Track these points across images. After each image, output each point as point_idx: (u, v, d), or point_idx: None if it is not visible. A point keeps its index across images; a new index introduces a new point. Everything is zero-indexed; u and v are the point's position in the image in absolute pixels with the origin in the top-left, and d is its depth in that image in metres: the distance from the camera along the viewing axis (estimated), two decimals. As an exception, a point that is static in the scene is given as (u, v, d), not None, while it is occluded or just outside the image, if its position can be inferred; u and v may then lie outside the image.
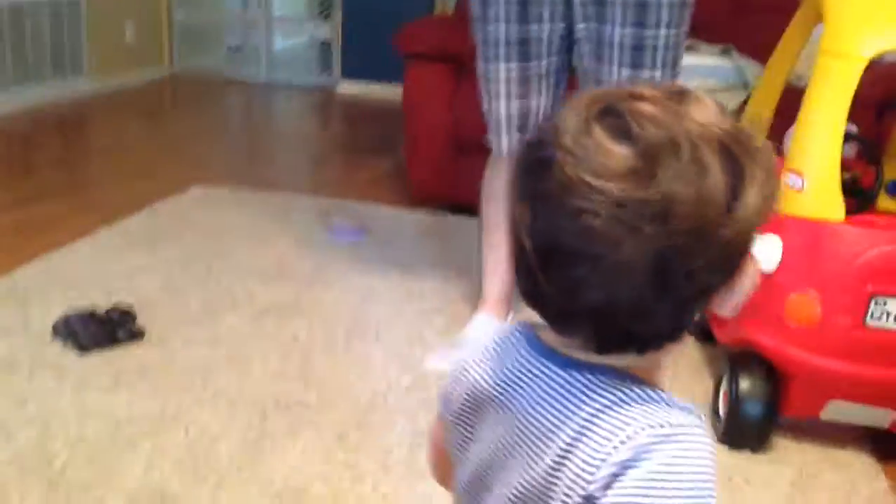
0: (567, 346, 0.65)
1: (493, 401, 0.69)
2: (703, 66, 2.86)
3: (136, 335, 1.97)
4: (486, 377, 0.71)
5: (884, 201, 1.97)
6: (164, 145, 3.89)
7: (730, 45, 2.92)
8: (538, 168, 0.61)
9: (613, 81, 1.72)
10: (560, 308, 0.63)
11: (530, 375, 0.67)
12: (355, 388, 1.83)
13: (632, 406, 0.62)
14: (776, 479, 1.63)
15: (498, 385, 0.69)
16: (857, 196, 1.89)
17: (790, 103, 2.02)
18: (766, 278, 1.65)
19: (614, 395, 0.62)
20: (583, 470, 0.61)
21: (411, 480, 1.53)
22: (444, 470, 0.79)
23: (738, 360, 1.73)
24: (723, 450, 1.70)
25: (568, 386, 0.64)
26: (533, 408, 0.65)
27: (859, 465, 1.68)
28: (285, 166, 3.76)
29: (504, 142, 1.87)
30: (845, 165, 1.94)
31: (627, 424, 0.61)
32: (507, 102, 1.83)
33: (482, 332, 2.03)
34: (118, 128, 4.20)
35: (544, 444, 0.63)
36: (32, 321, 2.03)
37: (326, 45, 5.71)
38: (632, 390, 0.63)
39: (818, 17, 1.76)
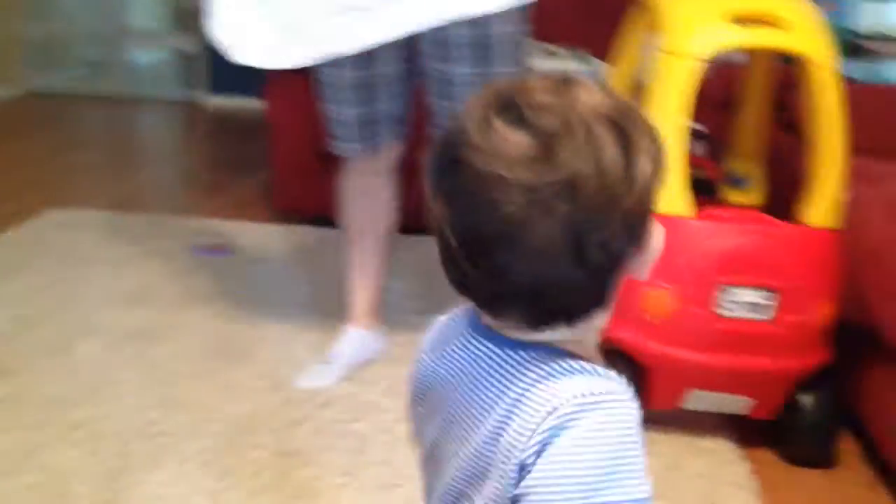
0: (503, 327, 0.70)
1: (439, 382, 0.75)
2: (561, 70, 2.93)
3: (-17, 372, 1.86)
4: (432, 360, 0.77)
5: (733, 196, 2.08)
6: (16, 168, 3.68)
7: (586, 49, 3.01)
8: (450, 167, 0.65)
9: (465, 80, 1.73)
10: (491, 293, 0.68)
11: (471, 355, 0.72)
12: (221, 413, 1.78)
13: (560, 378, 0.66)
14: (642, 470, 1.68)
15: (442, 367, 0.75)
16: (707, 192, 1.98)
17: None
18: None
19: (544, 369, 0.67)
20: (516, 440, 0.65)
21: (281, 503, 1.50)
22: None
23: (603, 357, 1.77)
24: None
25: (504, 363, 0.69)
26: (473, 386, 0.70)
27: (723, 452, 1.75)
28: (149, 186, 3.62)
29: (354, 147, 1.86)
30: (694, 163, 2.03)
31: (555, 395, 0.65)
32: (351, 109, 1.81)
33: (353, 347, 2.01)
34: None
35: (482, 419, 0.68)
36: None
37: (191, 58, 5.55)
38: (560, 364, 0.67)
39: (652, 21, 1.84)
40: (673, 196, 1.67)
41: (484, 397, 0.69)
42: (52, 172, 3.62)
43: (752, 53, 2.06)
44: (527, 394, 0.66)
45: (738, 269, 1.65)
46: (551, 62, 2.92)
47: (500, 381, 0.69)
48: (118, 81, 5.54)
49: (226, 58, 1.79)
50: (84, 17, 6.15)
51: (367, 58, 1.76)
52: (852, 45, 3.08)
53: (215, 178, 3.75)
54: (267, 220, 3.03)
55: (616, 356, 1.74)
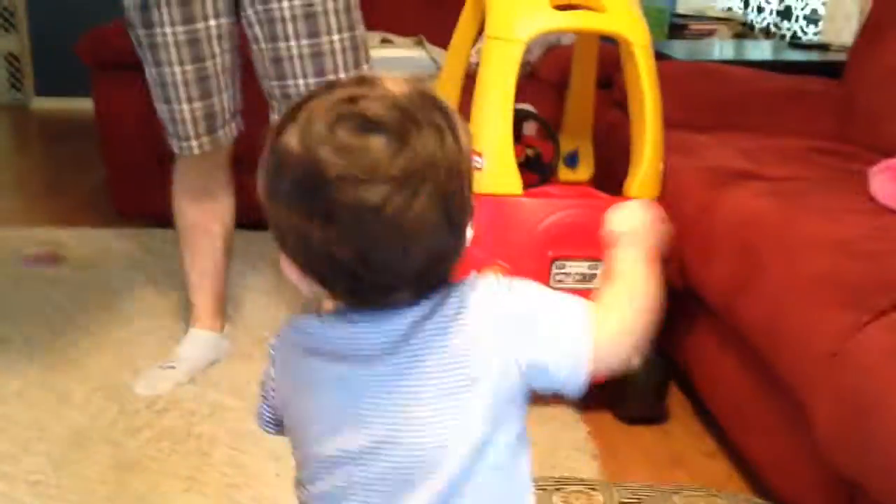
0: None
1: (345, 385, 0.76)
2: (399, 57, 2.94)
3: None
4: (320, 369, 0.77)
5: (564, 173, 2.15)
6: None
7: (421, 36, 3.03)
8: (318, 189, 0.68)
9: (301, 93, 1.71)
10: (387, 287, 0.73)
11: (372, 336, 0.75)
12: (53, 429, 1.69)
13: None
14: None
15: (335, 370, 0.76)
16: (539, 170, 2.04)
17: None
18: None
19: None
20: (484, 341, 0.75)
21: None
22: None
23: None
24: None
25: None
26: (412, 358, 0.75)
27: (561, 417, 1.81)
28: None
29: (194, 144, 1.80)
30: (527, 143, 2.09)
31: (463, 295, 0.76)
32: (189, 105, 1.76)
33: (196, 349, 1.95)
34: None
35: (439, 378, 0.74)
36: None
37: (14, 58, 5.22)
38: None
39: (481, 6, 1.87)
40: (503, 175, 1.71)
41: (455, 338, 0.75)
42: None
43: (578, 36, 2.13)
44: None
45: (567, 243, 1.71)
46: (388, 50, 2.93)
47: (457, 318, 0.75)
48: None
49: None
50: None
51: (196, 50, 1.71)
52: (673, 25, 3.25)
53: (47, 183, 3.55)
54: (105, 224, 2.90)
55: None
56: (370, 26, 3.12)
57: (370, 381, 0.75)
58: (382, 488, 0.75)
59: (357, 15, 1.76)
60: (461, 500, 0.75)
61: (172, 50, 1.71)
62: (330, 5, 1.69)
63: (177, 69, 1.73)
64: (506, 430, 0.77)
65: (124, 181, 2.85)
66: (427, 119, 0.71)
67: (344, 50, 1.74)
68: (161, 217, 2.76)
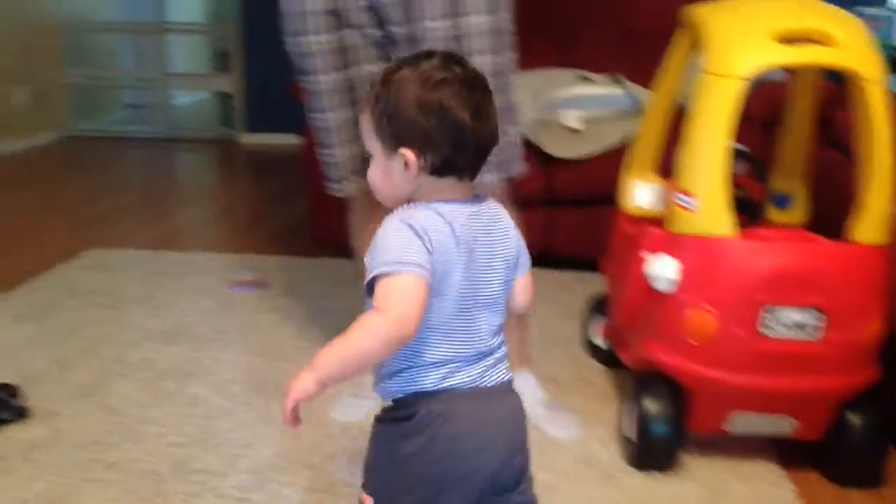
0: (458, 189, 1.08)
1: (462, 243, 1.06)
2: (597, 95, 2.90)
3: (20, 413, 1.85)
4: (454, 232, 1.05)
5: (776, 215, 2.02)
6: (57, 210, 3.74)
7: (619, 74, 2.97)
8: (470, 100, 1.04)
9: None
10: (479, 164, 1.09)
11: (472, 218, 1.08)
12: (257, 449, 1.75)
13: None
14: (685, 497, 1.62)
15: (463, 233, 1.06)
16: (749, 211, 1.92)
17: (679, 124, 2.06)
18: (664, 297, 1.65)
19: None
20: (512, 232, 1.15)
21: (317, 541, 1.46)
22: (420, 321, 1.02)
23: (643, 381, 1.72)
24: (632, 472, 1.68)
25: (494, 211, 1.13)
26: (490, 225, 1.11)
27: (765, 475, 1.68)
28: (185, 223, 3.65)
29: (346, 186, 1.84)
30: (736, 182, 1.97)
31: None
32: (341, 149, 1.80)
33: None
34: (9, 195, 4.03)
35: (505, 238, 1.13)
36: None
37: (228, 97, 5.64)
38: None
39: (695, 42, 1.79)
40: (716, 216, 1.62)
41: (501, 225, 1.13)
42: (92, 214, 3.67)
43: (795, 71, 2.00)
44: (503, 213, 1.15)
45: (782, 289, 1.59)
46: (585, 88, 2.89)
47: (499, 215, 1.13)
48: (158, 123, 5.64)
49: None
50: (126, 63, 6.30)
51: (350, 96, 1.74)
52: (892, 60, 3.01)
53: (252, 213, 3.77)
54: (304, 253, 3.03)
55: (657, 379, 1.69)
56: (568, 64, 3.12)
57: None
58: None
59: (511, 74, 1.71)
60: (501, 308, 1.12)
61: (325, 96, 1.75)
62: (479, 66, 1.66)
63: (332, 115, 1.77)
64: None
65: (323, 215, 2.96)
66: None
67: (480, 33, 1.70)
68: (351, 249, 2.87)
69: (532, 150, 2.61)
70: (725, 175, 1.62)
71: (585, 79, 2.96)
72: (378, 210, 1.90)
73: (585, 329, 2.22)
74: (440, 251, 1.02)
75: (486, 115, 1.05)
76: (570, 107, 2.76)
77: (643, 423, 1.67)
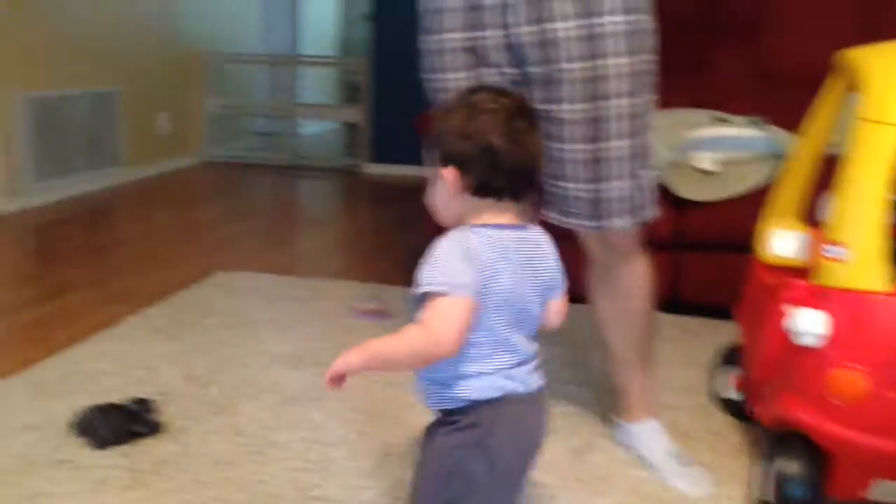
0: (504, 213, 1.19)
1: (510, 265, 1.17)
2: (735, 137, 2.81)
3: (154, 428, 1.93)
4: (503, 256, 1.16)
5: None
6: (191, 232, 3.92)
7: (758, 116, 2.88)
8: (499, 128, 1.16)
9: (570, 159, 1.67)
10: (518, 188, 1.18)
11: (518, 243, 1.19)
12: (378, 479, 1.76)
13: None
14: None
15: (510, 256, 1.17)
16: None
17: (827, 172, 1.97)
18: (808, 353, 1.57)
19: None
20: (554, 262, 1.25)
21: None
22: (460, 341, 1.12)
23: (780, 440, 1.64)
24: (769, 538, 1.60)
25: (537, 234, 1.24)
26: (534, 250, 1.21)
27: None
28: (310, 250, 3.75)
29: None
30: (893, 234, 1.87)
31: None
32: None
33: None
34: (147, 217, 4.25)
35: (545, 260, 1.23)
36: (54, 416, 1.99)
37: (353, 128, 5.79)
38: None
39: (852, 86, 1.72)
40: (870, 270, 1.53)
41: (541, 251, 1.22)
42: (223, 237, 3.82)
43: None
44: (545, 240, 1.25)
45: (942, 351, 1.48)
46: (721, 129, 2.81)
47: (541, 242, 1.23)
48: (286, 151, 5.84)
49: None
50: (258, 93, 6.58)
51: None
52: None
53: (374, 242, 3.84)
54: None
55: (795, 438, 1.60)
56: (703, 104, 3.05)
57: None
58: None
59: (647, 117, 1.68)
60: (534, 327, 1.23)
61: None
62: (615, 108, 1.63)
63: None
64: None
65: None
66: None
67: (623, 158, 1.66)
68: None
69: (663, 192, 2.55)
70: (882, 226, 1.53)
71: (722, 119, 2.88)
72: None
73: (716, 380, 2.13)
74: (488, 273, 1.12)
75: (522, 143, 1.15)
76: (705, 148, 2.69)
77: (779, 484, 1.58)
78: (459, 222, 1.18)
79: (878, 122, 1.53)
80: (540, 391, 1.22)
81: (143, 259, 3.43)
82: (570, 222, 1.72)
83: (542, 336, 1.24)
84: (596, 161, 1.65)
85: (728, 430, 2.00)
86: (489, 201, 1.17)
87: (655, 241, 1.85)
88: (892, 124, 1.51)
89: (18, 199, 4.19)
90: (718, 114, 2.92)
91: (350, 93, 6.15)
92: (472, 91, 1.21)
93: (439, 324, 1.10)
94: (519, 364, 1.19)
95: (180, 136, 5.57)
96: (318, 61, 6.79)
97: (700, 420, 2.05)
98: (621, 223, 1.70)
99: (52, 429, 1.93)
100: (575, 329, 2.53)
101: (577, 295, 2.59)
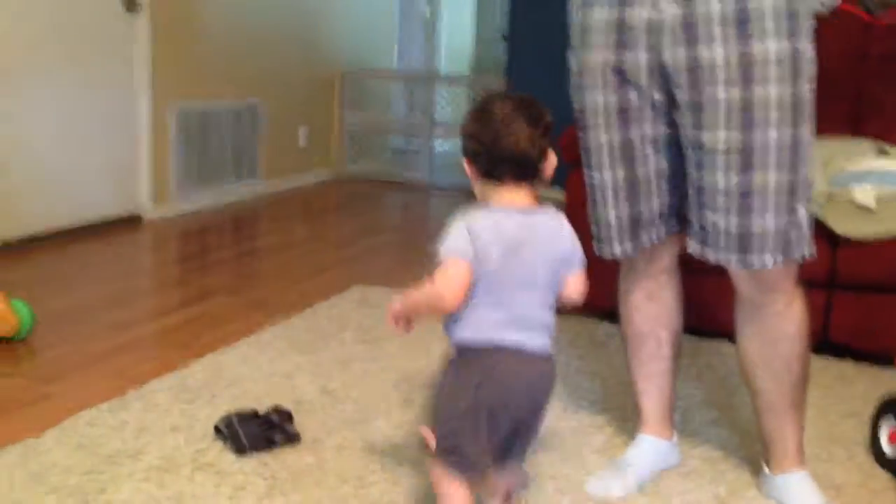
0: (513, 196, 1.46)
1: (505, 238, 1.43)
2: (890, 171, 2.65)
3: (292, 438, 1.97)
4: (497, 228, 1.44)
5: None
6: (329, 245, 4.02)
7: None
8: (503, 126, 1.44)
9: (718, 189, 1.60)
10: (521, 174, 1.45)
11: (521, 219, 1.45)
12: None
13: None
14: None
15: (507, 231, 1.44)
16: None
17: None
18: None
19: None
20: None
21: None
22: (459, 297, 1.41)
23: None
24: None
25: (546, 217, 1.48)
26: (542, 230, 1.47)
27: None
28: (443, 268, 3.77)
29: (617, 248, 1.78)
30: None
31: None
32: (615, 210, 1.74)
33: (647, 455, 1.89)
34: (287, 228, 4.40)
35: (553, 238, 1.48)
36: (197, 419, 2.07)
37: (486, 148, 5.81)
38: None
39: None
40: None
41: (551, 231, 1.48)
42: (360, 251, 3.90)
43: None
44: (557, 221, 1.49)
45: None
46: (884, 162, 2.64)
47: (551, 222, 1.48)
48: (420, 169, 5.92)
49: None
50: (396, 110, 6.71)
51: (628, 156, 1.70)
52: None
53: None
54: (558, 311, 3.01)
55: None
56: (863, 133, 2.88)
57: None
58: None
59: (806, 149, 1.58)
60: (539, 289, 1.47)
61: (605, 154, 1.71)
62: (772, 138, 1.55)
63: (607, 174, 1.72)
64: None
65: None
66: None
67: (778, 192, 1.57)
68: (609, 311, 2.81)
69: (817, 226, 2.42)
70: None
71: (883, 151, 2.72)
72: (646, 274, 1.86)
73: (874, 433, 2.00)
74: (479, 245, 1.40)
75: (510, 139, 1.41)
76: (867, 181, 2.54)
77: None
78: (484, 200, 1.47)
79: None
80: (538, 354, 1.46)
81: (283, 269, 3.54)
82: (713, 255, 1.65)
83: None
84: (748, 193, 1.58)
85: (887, 488, 1.86)
86: (495, 183, 1.45)
87: (806, 279, 1.74)
88: None
89: (164, 206, 4.42)
90: (882, 144, 2.75)
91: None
92: (485, 99, 1.47)
93: (442, 282, 1.40)
94: (510, 323, 1.43)
95: (319, 150, 5.74)
96: (454, 79, 6.87)
97: (855, 475, 1.91)
98: (771, 260, 1.61)
99: (196, 432, 2.00)
100: (717, 366, 2.44)
101: (716, 329, 2.50)
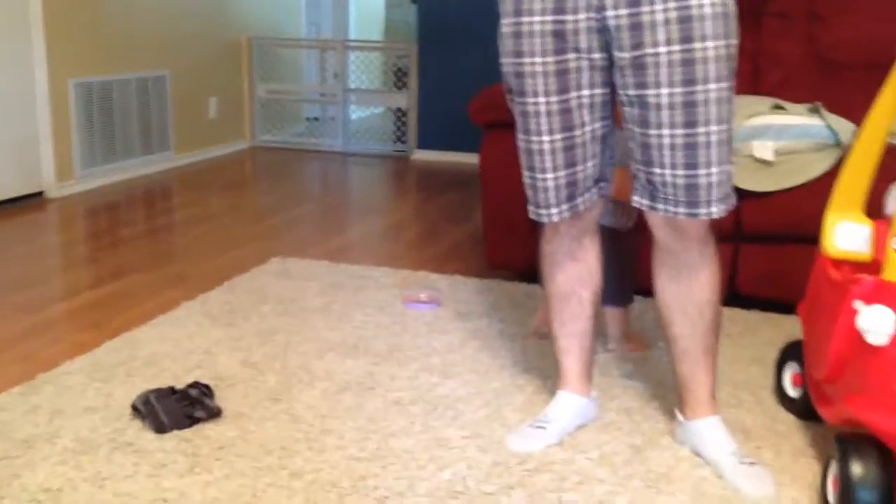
0: None
1: None
2: (792, 125, 2.75)
3: (214, 413, 1.95)
4: None
5: None
6: (245, 218, 3.96)
7: (817, 103, 2.81)
8: None
9: (664, 144, 1.65)
10: None
11: None
12: (433, 472, 1.76)
13: None
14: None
15: None
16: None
17: (888, 163, 1.91)
18: (879, 352, 1.53)
19: None
20: None
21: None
22: None
23: (849, 442, 1.60)
24: (836, 543, 1.56)
25: None
26: None
27: None
28: (362, 237, 3.76)
29: (554, 212, 1.80)
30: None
31: None
32: (553, 174, 1.76)
33: (566, 411, 1.94)
34: (201, 202, 4.30)
35: None
36: (113, 399, 2.03)
37: (402, 113, 5.79)
38: None
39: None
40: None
41: None
42: (276, 223, 3.85)
43: None
44: None
45: None
46: (780, 117, 2.74)
47: None
48: (336, 137, 5.86)
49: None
50: (308, 78, 6.60)
51: (566, 120, 1.71)
52: None
53: (424, 230, 3.84)
54: (478, 274, 3.05)
55: (864, 441, 1.56)
56: (760, 91, 2.98)
57: None
58: None
59: (733, 105, 1.65)
60: None
61: (543, 119, 1.72)
62: (712, 92, 1.60)
63: (545, 138, 1.73)
64: None
65: (498, 235, 2.97)
66: None
67: (720, 144, 1.63)
68: (530, 272, 2.86)
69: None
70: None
71: (779, 107, 2.81)
72: (570, 235, 1.90)
73: (778, 377, 2.09)
74: None
75: None
76: (762, 137, 2.63)
77: (848, 488, 1.54)
78: None
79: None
80: None
81: (198, 244, 3.47)
82: (662, 209, 1.70)
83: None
84: (693, 146, 1.62)
85: (790, 429, 1.96)
86: None
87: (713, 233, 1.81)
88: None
89: (69, 184, 4.27)
90: (777, 101, 2.85)
91: (398, 78, 6.15)
92: None
93: None
94: None
95: (231, 121, 5.62)
96: (366, 46, 6.79)
97: (762, 418, 2.01)
98: (717, 210, 1.67)
99: (113, 412, 1.96)
100: (633, 321, 2.51)
101: (643, 288, 2.58)
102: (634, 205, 1.75)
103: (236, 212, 4.09)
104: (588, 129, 1.73)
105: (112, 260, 3.25)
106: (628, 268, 2.33)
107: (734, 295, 2.66)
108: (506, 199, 2.91)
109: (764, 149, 2.63)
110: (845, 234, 1.89)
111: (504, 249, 2.96)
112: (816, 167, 2.61)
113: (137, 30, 4.66)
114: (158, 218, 4.02)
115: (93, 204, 4.16)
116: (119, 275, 3.03)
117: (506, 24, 1.72)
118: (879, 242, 1.77)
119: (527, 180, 1.81)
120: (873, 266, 1.70)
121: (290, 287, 2.86)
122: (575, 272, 1.90)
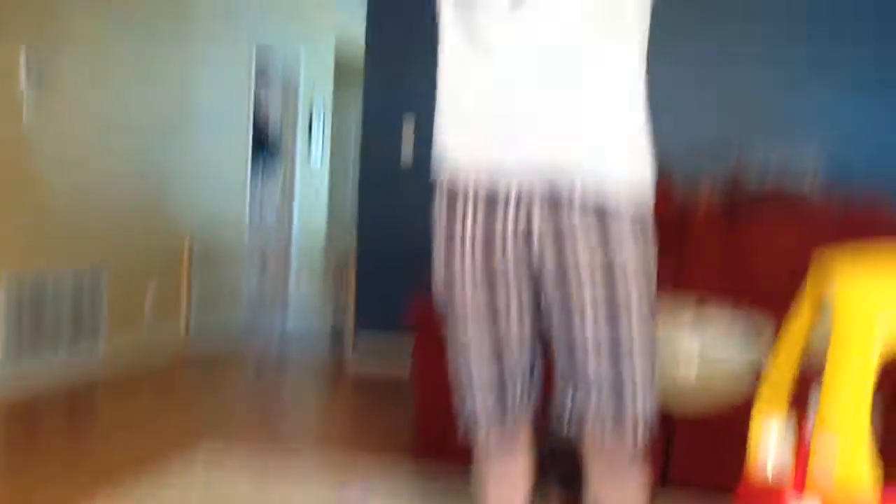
0: None
1: None
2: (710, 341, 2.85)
3: None
4: None
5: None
6: (175, 422, 3.83)
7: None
8: None
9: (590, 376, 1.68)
10: None
11: None
12: None
13: None
14: None
15: None
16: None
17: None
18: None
19: None
20: None
21: None
22: None
23: None
24: None
25: None
26: None
27: None
28: (297, 434, 3.66)
29: (482, 433, 1.79)
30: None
31: None
32: (481, 393, 1.76)
33: None
34: (128, 407, 4.17)
35: None
36: None
37: (338, 329, 5.80)
38: None
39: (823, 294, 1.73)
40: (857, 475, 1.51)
41: None
42: (203, 406, 3.72)
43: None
44: None
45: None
46: (696, 337, 2.83)
47: None
48: (272, 345, 5.82)
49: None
50: (248, 283, 6.63)
51: (494, 331, 1.72)
52: None
53: (357, 432, 3.76)
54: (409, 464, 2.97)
55: None
56: (688, 285, 3.08)
57: None
58: None
59: (655, 304, 1.71)
60: None
61: (471, 326, 1.72)
62: (633, 295, 1.65)
63: (482, 364, 1.74)
64: None
65: (432, 429, 2.95)
66: None
67: (643, 339, 1.66)
68: (464, 463, 2.80)
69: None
70: (866, 431, 1.52)
71: (701, 303, 2.92)
72: (514, 456, 1.85)
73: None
74: None
75: None
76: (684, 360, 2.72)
77: None
78: None
79: (850, 343, 1.54)
80: None
81: (126, 446, 3.33)
82: (590, 415, 1.69)
83: None
84: (618, 342, 1.64)
85: None
86: None
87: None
88: (867, 347, 1.52)
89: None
90: (700, 299, 2.94)
91: (336, 293, 6.24)
92: None
93: None
94: None
95: (166, 322, 5.58)
96: (306, 251, 6.95)
97: None
98: (643, 408, 1.66)
99: None
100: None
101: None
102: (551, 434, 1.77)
103: (166, 416, 3.96)
104: (516, 348, 1.74)
105: (32, 470, 3.08)
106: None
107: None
108: (436, 399, 2.91)
109: (687, 372, 2.67)
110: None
111: (436, 441, 2.92)
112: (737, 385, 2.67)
113: (76, 227, 4.70)
114: (84, 418, 3.86)
115: (13, 405, 3.99)
116: (36, 486, 2.87)
117: (438, 228, 1.76)
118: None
119: (459, 401, 1.81)
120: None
121: (219, 477, 2.74)
122: (508, 485, 1.87)
